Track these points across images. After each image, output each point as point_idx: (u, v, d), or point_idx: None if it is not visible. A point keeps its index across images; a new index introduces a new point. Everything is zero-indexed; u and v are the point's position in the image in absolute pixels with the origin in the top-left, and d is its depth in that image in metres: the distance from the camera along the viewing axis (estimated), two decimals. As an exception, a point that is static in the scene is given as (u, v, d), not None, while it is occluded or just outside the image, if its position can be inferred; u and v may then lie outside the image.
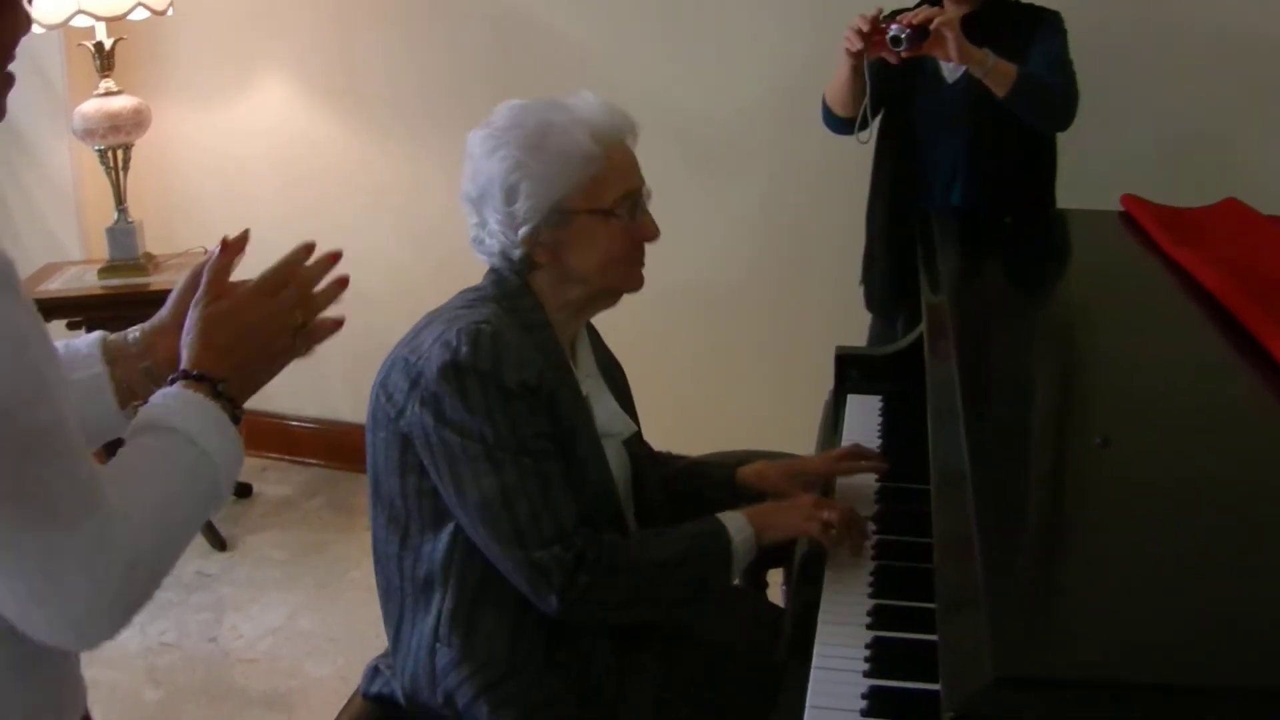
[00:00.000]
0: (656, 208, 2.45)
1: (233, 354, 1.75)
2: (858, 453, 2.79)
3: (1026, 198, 3.76)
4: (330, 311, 1.82)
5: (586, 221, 2.37)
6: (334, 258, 1.96)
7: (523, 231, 2.35)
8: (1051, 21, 3.66)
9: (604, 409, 2.54)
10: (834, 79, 3.75)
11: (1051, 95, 3.54)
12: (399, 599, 2.46)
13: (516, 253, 2.38)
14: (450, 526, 2.34)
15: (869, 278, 4.04)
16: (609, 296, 2.50)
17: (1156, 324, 2.65)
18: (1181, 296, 2.66)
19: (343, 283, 1.93)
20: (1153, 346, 2.53)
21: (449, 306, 2.41)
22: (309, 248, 1.94)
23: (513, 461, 2.24)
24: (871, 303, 4.07)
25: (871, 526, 2.56)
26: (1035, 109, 3.55)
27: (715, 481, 2.77)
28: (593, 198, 2.36)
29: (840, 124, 3.83)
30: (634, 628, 2.48)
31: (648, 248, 2.46)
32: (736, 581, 3.19)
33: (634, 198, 2.42)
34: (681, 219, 4.56)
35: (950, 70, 3.69)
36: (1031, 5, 3.73)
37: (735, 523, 2.38)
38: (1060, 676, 1.44)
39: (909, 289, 3.44)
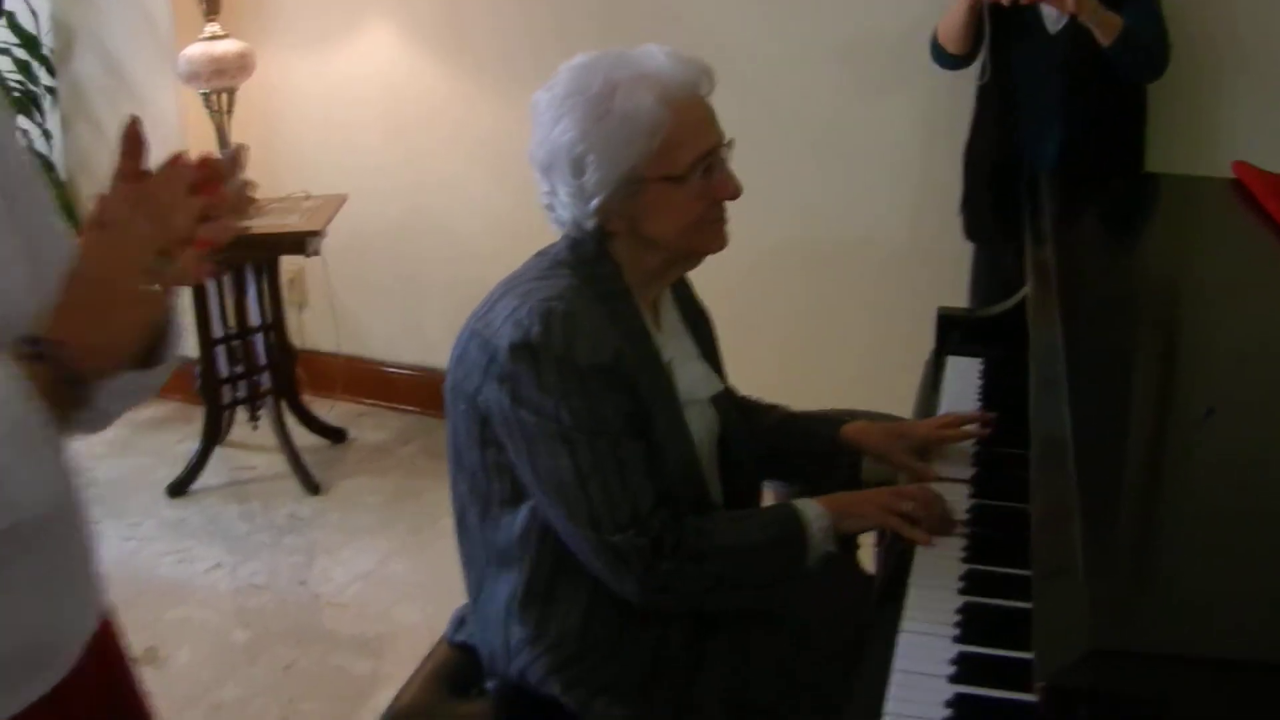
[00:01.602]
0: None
1: (69, 310, 1.44)
2: (960, 419, 2.74)
3: (1120, 150, 3.93)
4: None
5: (659, 189, 2.27)
6: (205, 165, 1.48)
7: (594, 204, 2.27)
8: None
9: (688, 374, 2.47)
10: (948, 16, 3.89)
11: (1151, 46, 3.73)
12: (479, 568, 2.45)
13: (590, 223, 2.30)
14: (529, 503, 2.31)
15: (968, 209, 4.17)
16: (691, 259, 2.44)
17: (1266, 297, 2.60)
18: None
19: (244, 190, 1.53)
20: (1261, 319, 2.48)
21: (524, 275, 2.35)
22: (177, 158, 1.46)
23: (588, 443, 2.19)
24: (973, 231, 4.20)
25: (968, 489, 2.52)
26: (1136, 60, 3.74)
27: (817, 436, 2.73)
28: (664, 164, 2.26)
29: (952, 61, 3.98)
30: (708, 613, 2.44)
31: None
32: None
33: (709, 157, 2.31)
34: (783, 173, 4.55)
35: (1053, 20, 3.79)
36: None
37: (813, 510, 2.33)
38: (1155, 650, 1.41)
39: (1011, 225, 3.65)
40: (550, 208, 2.36)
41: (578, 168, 2.25)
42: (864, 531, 2.48)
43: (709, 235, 2.37)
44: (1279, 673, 1.38)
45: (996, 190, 4.02)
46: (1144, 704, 1.37)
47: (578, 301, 2.24)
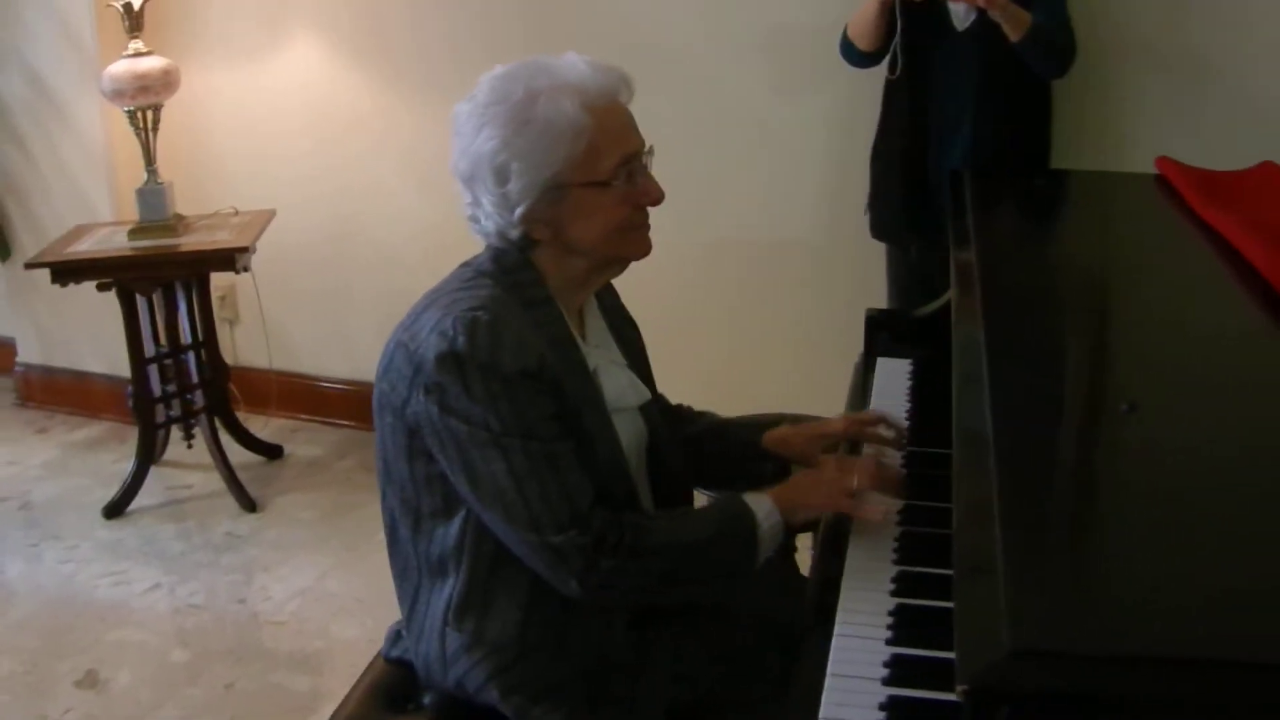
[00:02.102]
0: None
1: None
2: (879, 418, 2.75)
3: (1028, 148, 3.99)
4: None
5: (583, 194, 2.28)
6: None
7: (518, 212, 2.27)
8: None
9: (614, 382, 2.47)
10: (859, 13, 3.90)
11: (1058, 42, 3.78)
12: (414, 580, 2.44)
13: (514, 233, 2.31)
14: (462, 512, 2.31)
15: (876, 207, 4.18)
16: (615, 265, 2.44)
17: (1189, 289, 2.61)
18: (1215, 261, 2.62)
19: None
20: (1184, 312, 2.49)
21: (447, 286, 2.34)
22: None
23: (520, 446, 2.18)
24: (880, 231, 4.21)
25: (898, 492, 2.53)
26: (1044, 55, 3.78)
27: (741, 444, 2.73)
28: (587, 170, 2.26)
29: (861, 58, 3.99)
30: (651, 607, 2.45)
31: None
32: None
33: (632, 162, 2.31)
34: (709, 178, 4.57)
35: (961, 18, 3.83)
36: None
37: (762, 507, 2.32)
38: (1079, 649, 1.40)
39: (920, 221, 3.91)
40: (474, 219, 2.35)
41: (501, 176, 2.24)
42: (816, 518, 2.45)
43: (632, 241, 2.37)
44: (1204, 669, 1.38)
45: (905, 188, 4.04)
46: (1068, 704, 1.36)
47: (501, 310, 2.23)
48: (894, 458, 2.65)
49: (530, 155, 2.23)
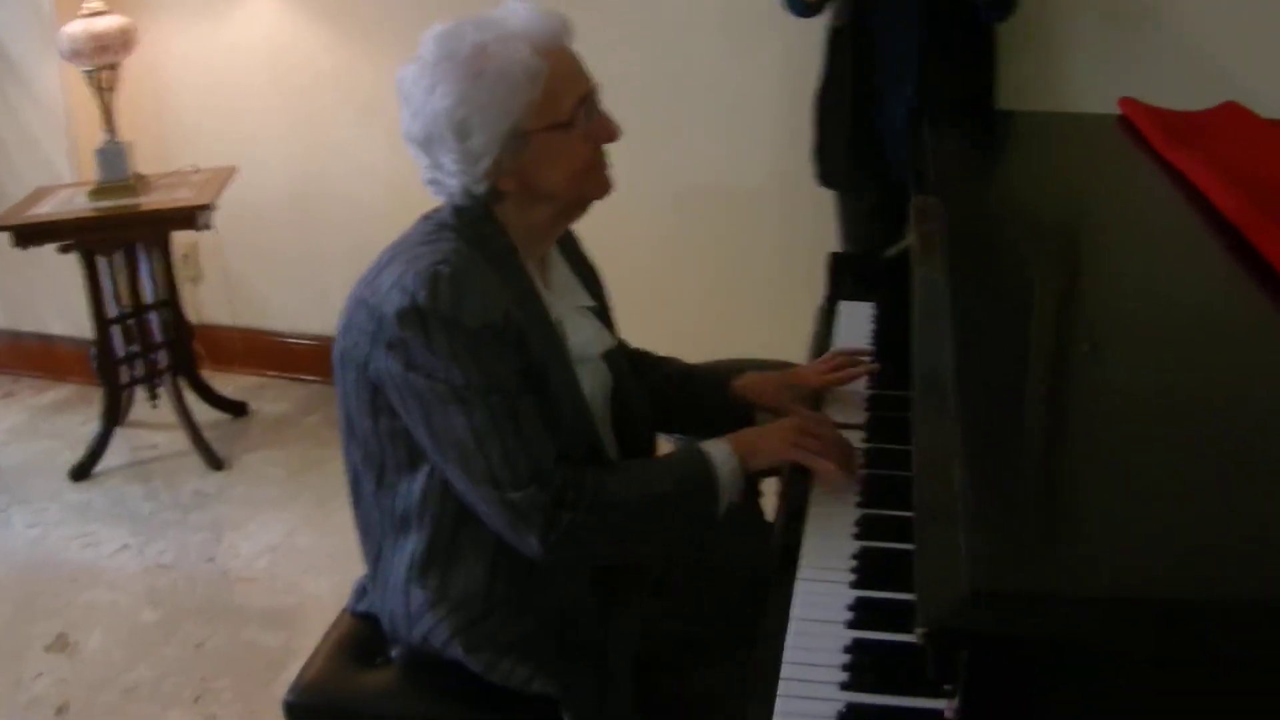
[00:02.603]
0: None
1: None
2: (846, 360, 2.75)
3: (974, 92, 3.97)
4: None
5: (546, 138, 2.26)
6: None
7: (483, 165, 2.25)
8: None
9: (579, 331, 2.46)
10: None
11: None
12: (377, 536, 2.44)
13: (480, 188, 2.29)
14: (426, 467, 2.30)
15: (822, 156, 4.16)
16: (578, 208, 2.43)
17: (1152, 231, 2.60)
18: (1178, 201, 2.60)
19: None
20: (1148, 255, 2.47)
21: (409, 240, 2.32)
22: None
23: (482, 401, 2.16)
24: (827, 179, 4.19)
25: (861, 434, 2.53)
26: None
27: (709, 390, 2.74)
28: (547, 114, 2.25)
29: (803, 7, 3.92)
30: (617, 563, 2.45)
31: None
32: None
33: (588, 101, 2.32)
34: (675, 124, 4.56)
35: None
36: None
37: (720, 453, 2.31)
38: (1039, 591, 1.40)
39: (868, 169, 3.94)
40: (434, 182, 2.33)
41: (462, 131, 2.22)
42: (770, 466, 2.45)
43: (596, 181, 2.37)
44: (1165, 609, 1.37)
45: (852, 138, 4.01)
46: (1030, 647, 1.36)
47: (464, 263, 2.21)
48: (858, 409, 2.65)
49: (490, 106, 2.21)
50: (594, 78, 2.34)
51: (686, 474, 2.30)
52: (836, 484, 2.34)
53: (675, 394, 2.75)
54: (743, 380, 2.72)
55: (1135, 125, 3.08)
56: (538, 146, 2.27)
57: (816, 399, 2.71)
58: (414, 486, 2.33)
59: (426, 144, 2.27)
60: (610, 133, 2.35)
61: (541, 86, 2.23)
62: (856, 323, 3.11)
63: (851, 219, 4.21)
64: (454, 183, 2.29)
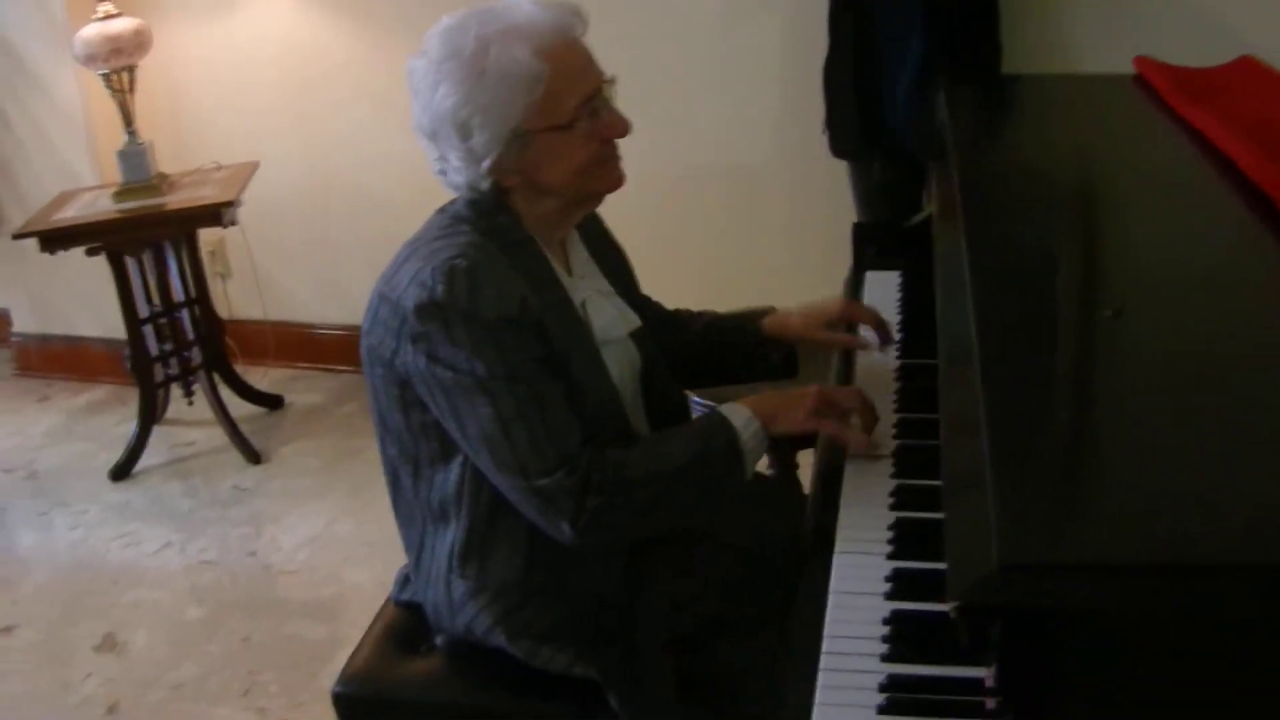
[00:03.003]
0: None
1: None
2: (877, 316, 2.76)
3: (979, 58, 3.92)
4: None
5: (547, 138, 2.27)
6: None
7: (485, 165, 2.26)
8: None
9: (602, 314, 2.47)
10: None
11: None
12: (419, 527, 2.46)
13: (484, 184, 2.30)
14: (460, 457, 2.32)
15: (833, 126, 4.14)
16: (589, 201, 2.44)
17: (1171, 191, 2.58)
18: (1197, 160, 2.57)
19: None
20: (1168, 214, 2.45)
21: (425, 235, 2.33)
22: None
23: (506, 389, 2.18)
24: (840, 150, 4.18)
25: (893, 404, 2.54)
26: None
27: (743, 333, 2.75)
28: (548, 115, 2.25)
29: None
30: (648, 541, 2.45)
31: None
32: (767, 469, 3.20)
33: (594, 99, 2.30)
34: (673, 106, 4.56)
35: None
36: None
37: (740, 417, 2.31)
38: (1069, 561, 1.39)
39: (879, 137, 3.92)
40: (443, 173, 2.35)
41: (464, 131, 2.24)
42: (796, 433, 2.41)
43: (603, 176, 2.37)
44: (1195, 576, 1.36)
45: (860, 107, 3.99)
46: (1063, 618, 1.36)
47: (479, 256, 2.22)
48: (888, 380, 2.66)
49: (490, 108, 2.22)
50: (605, 73, 2.34)
51: (708, 442, 2.29)
52: (858, 450, 2.35)
53: (710, 343, 2.75)
54: (773, 318, 2.73)
55: (1151, 84, 3.07)
56: (539, 146, 2.28)
57: (849, 359, 2.74)
58: (449, 478, 2.35)
59: (434, 137, 2.30)
60: (616, 130, 2.34)
61: (543, 88, 2.23)
62: (883, 292, 3.11)
63: (865, 189, 4.21)
64: (459, 177, 2.32)
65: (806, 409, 2.35)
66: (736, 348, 2.75)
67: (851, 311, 2.76)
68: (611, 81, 2.35)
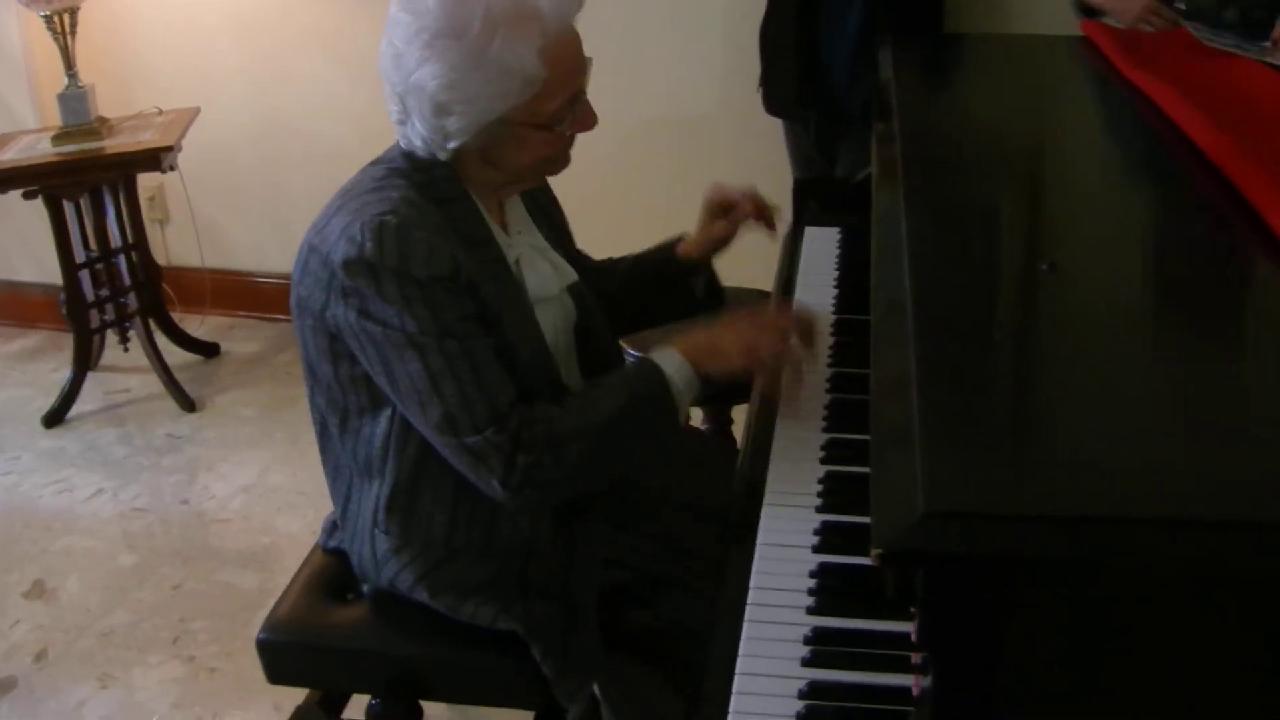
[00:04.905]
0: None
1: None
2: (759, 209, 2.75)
3: (921, 17, 3.97)
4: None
5: (522, 131, 2.23)
6: None
7: (451, 145, 2.22)
8: None
9: (536, 271, 2.43)
10: None
11: None
12: (346, 479, 2.45)
13: (444, 155, 2.26)
14: (388, 410, 2.30)
15: (768, 84, 4.18)
16: (532, 182, 2.45)
17: (1112, 150, 2.59)
18: (1142, 124, 2.59)
19: None
20: (1108, 173, 2.47)
21: (358, 187, 2.27)
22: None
23: (437, 345, 2.14)
24: (774, 107, 4.21)
25: (828, 359, 2.54)
26: None
27: (663, 265, 2.73)
28: (530, 112, 2.21)
29: None
30: (584, 496, 2.43)
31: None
32: (701, 425, 3.19)
33: (576, 99, 2.27)
34: (644, 53, 4.54)
35: None
36: None
37: (670, 360, 2.27)
38: (993, 511, 1.38)
39: (815, 95, 3.95)
40: (402, 123, 2.27)
41: (442, 112, 2.18)
42: (729, 373, 2.34)
43: (558, 164, 2.37)
44: (1118, 526, 1.36)
45: (799, 65, 3.99)
46: (985, 567, 1.36)
47: (411, 213, 2.18)
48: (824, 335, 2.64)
49: (476, 100, 2.16)
50: (586, 64, 2.29)
51: (638, 389, 2.27)
52: (794, 396, 2.36)
53: (636, 284, 2.74)
54: (686, 244, 2.73)
55: (1098, 46, 3.07)
56: (512, 135, 2.24)
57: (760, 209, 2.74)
58: (376, 431, 2.33)
59: (403, 96, 2.22)
60: (585, 125, 2.32)
61: (535, 90, 2.18)
62: (822, 248, 3.10)
63: (798, 146, 4.23)
64: (418, 140, 2.25)
65: (737, 347, 2.31)
66: (660, 280, 2.73)
67: (723, 193, 2.74)
68: (588, 62, 2.30)
